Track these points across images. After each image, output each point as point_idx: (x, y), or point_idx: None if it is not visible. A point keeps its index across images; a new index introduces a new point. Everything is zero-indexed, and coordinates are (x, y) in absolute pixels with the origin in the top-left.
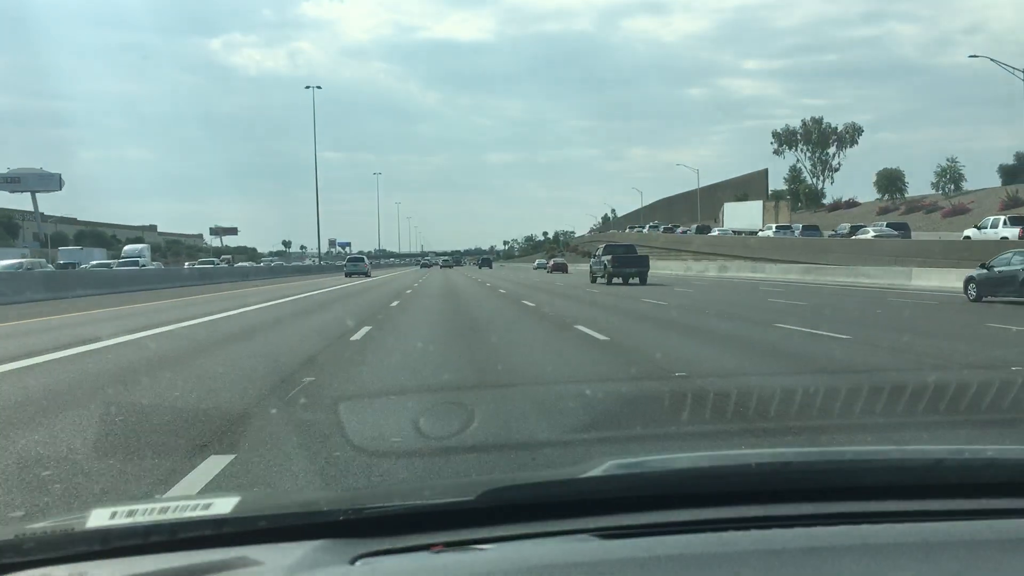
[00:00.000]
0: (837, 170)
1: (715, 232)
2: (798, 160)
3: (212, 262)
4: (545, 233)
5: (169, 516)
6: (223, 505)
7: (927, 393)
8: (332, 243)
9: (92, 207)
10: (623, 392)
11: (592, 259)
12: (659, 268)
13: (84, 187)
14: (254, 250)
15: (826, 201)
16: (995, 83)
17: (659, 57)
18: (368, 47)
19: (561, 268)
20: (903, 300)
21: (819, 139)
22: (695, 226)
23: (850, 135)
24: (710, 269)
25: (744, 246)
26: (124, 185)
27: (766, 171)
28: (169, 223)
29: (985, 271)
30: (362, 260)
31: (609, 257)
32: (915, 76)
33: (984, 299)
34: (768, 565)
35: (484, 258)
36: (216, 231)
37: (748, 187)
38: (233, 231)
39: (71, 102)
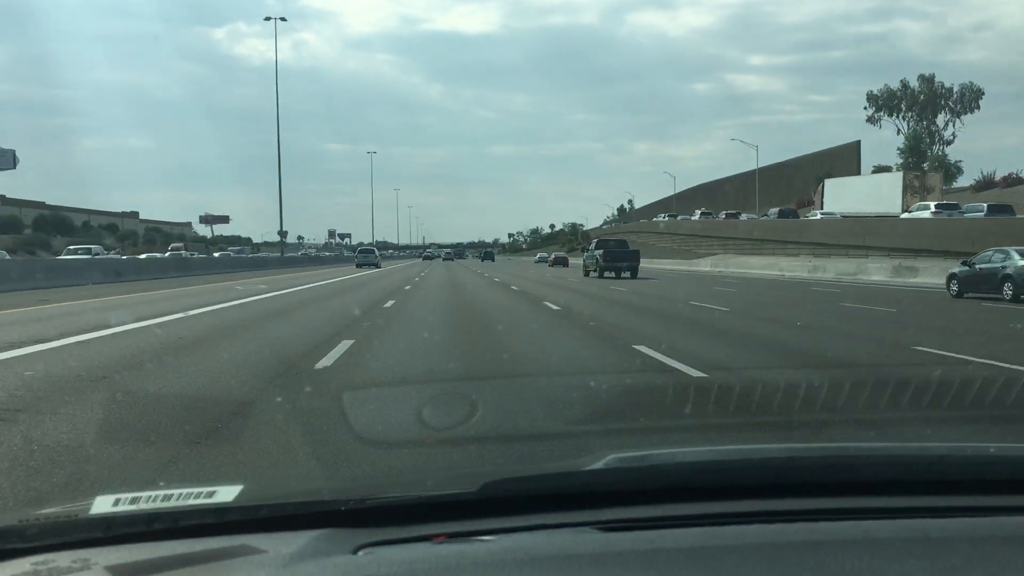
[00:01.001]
0: (951, 142)
1: (816, 215)
2: (899, 130)
3: (180, 252)
4: (552, 226)
5: (172, 504)
6: (226, 494)
7: None
8: (332, 234)
9: (90, 196)
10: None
11: (585, 253)
12: (737, 266)
13: (79, 175)
14: (249, 240)
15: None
16: (1004, 80)
17: (665, 52)
18: (372, 39)
19: (562, 262)
20: None
21: (927, 103)
22: (775, 210)
23: (970, 98)
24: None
25: (875, 233)
26: (119, 174)
27: (858, 143)
28: (166, 212)
29: (967, 268)
30: (373, 252)
31: (601, 251)
32: (918, 70)
33: (965, 295)
34: (770, 559)
35: (486, 251)
36: (207, 219)
37: (833, 163)
38: (224, 219)
39: (70, 90)
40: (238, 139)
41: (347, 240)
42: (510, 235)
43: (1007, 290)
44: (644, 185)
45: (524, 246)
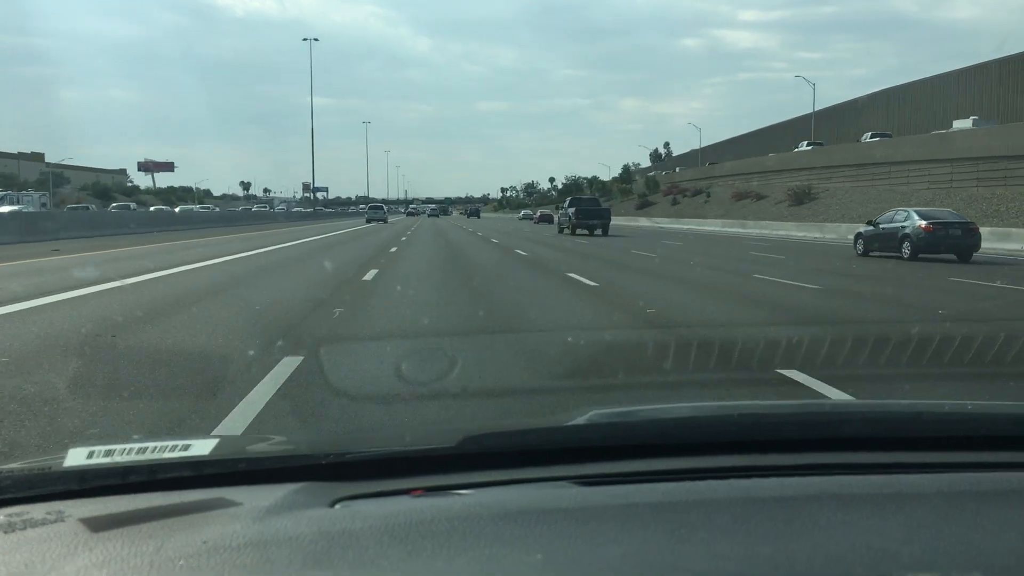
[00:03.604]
0: None
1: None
2: None
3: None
4: (552, 179)
5: (148, 457)
6: (202, 447)
7: None
8: (307, 187)
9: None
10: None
11: (560, 211)
12: None
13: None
14: (207, 192)
15: None
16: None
17: (655, 6)
18: None
19: (547, 219)
20: None
21: None
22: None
23: None
24: None
25: None
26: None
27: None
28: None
29: (872, 227)
30: (382, 208)
31: (573, 210)
32: (912, 30)
33: (870, 254)
34: (745, 512)
35: (473, 208)
36: (146, 166)
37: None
38: (168, 167)
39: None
40: (219, 92)
41: (323, 195)
42: (503, 189)
43: (905, 249)
44: (631, 142)
45: (528, 202)
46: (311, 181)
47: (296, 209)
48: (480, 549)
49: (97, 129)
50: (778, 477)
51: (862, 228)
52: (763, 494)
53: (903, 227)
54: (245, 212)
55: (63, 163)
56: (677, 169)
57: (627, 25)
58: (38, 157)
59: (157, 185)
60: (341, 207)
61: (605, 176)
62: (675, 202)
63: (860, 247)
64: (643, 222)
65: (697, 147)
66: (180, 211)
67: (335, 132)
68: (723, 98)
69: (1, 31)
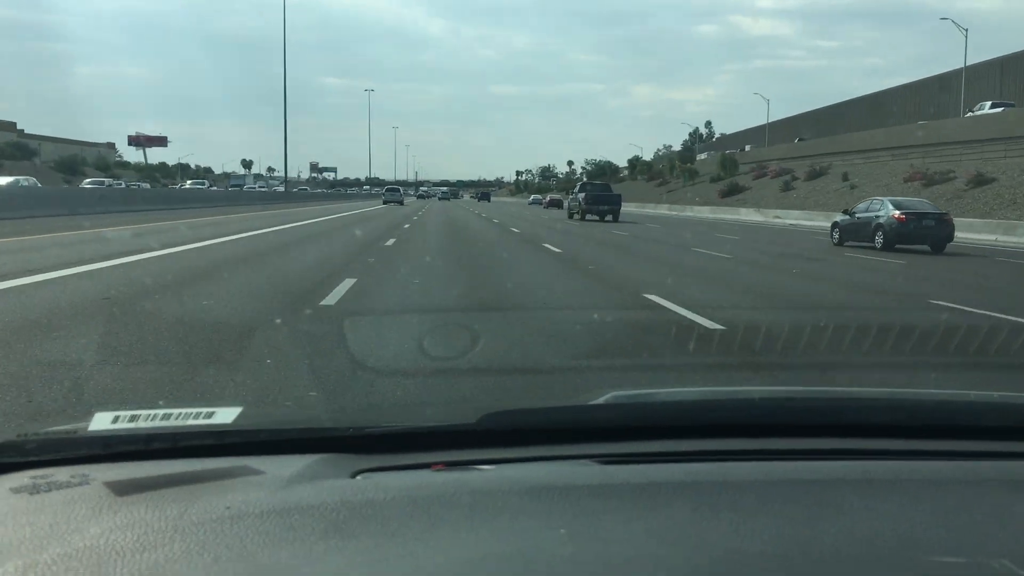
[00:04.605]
0: None
1: None
2: None
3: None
4: (570, 163)
5: (171, 423)
6: (225, 415)
7: None
8: (314, 167)
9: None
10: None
11: (570, 196)
12: None
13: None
14: (208, 170)
15: None
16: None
17: None
18: None
19: (556, 204)
20: None
21: None
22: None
23: None
24: None
25: None
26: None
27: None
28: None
29: (848, 217)
30: (398, 190)
31: (583, 195)
32: (929, 20)
33: (846, 244)
34: (770, 494)
35: (483, 192)
36: (137, 140)
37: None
38: (161, 141)
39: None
40: (225, 70)
41: (331, 175)
42: (518, 173)
43: (878, 239)
44: (645, 130)
45: (554, 186)
46: (284, 160)
47: (277, 188)
48: (503, 522)
49: (108, 105)
50: (802, 460)
51: (838, 217)
52: (787, 476)
53: (877, 217)
54: (192, 191)
55: (47, 135)
56: (748, 147)
57: (644, 9)
58: (9, 127)
59: (149, 161)
60: (350, 187)
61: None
62: (787, 186)
63: (836, 237)
64: (749, 216)
65: (754, 125)
66: (89, 186)
67: (346, 113)
68: (736, 85)
69: (14, 6)
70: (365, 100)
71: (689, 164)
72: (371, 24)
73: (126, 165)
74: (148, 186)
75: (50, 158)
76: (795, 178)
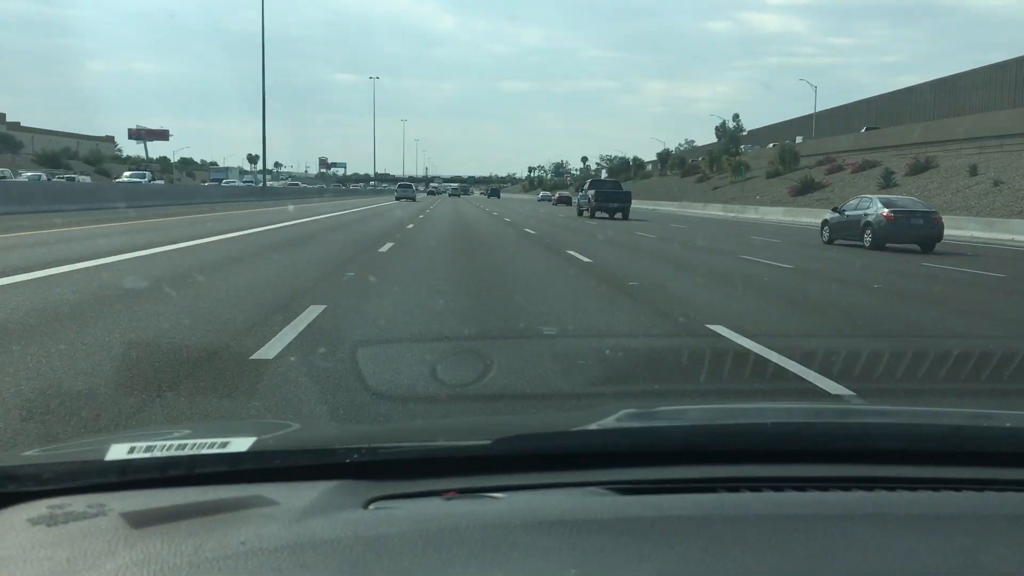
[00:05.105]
0: None
1: None
2: None
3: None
4: (584, 159)
5: (187, 452)
6: (240, 444)
7: None
8: (323, 163)
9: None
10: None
11: (579, 193)
12: None
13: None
14: (213, 164)
15: None
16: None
17: None
18: None
19: (565, 201)
20: None
21: None
22: None
23: None
24: None
25: None
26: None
27: None
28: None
29: (838, 215)
30: (411, 187)
31: (593, 192)
32: (944, 17)
33: (835, 242)
34: (780, 529)
35: (493, 188)
36: (138, 134)
37: None
38: (162, 135)
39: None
40: (236, 66)
41: (340, 171)
42: (530, 169)
43: (867, 237)
44: (657, 126)
45: (570, 183)
46: (263, 154)
47: (248, 182)
48: (514, 560)
49: (121, 100)
50: (815, 491)
51: (828, 215)
52: (798, 510)
53: (866, 215)
54: (128, 187)
55: (50, 130)
56: (799, 139)
57: (655, 5)
58: (13, 124)
59: (150, 155)
60: (354, 183)
61: (648, 156)
62: (887, 182)
63: (826, 235)
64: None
65: (787, 118)
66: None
67: (358, 108)
68: (749, 82)
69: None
70: (376, 97)
71: (739, 157)
72: (383, 20)
73: (125, 159)
74: (89, 179)
75: (36, 151)
76: (891, 172)
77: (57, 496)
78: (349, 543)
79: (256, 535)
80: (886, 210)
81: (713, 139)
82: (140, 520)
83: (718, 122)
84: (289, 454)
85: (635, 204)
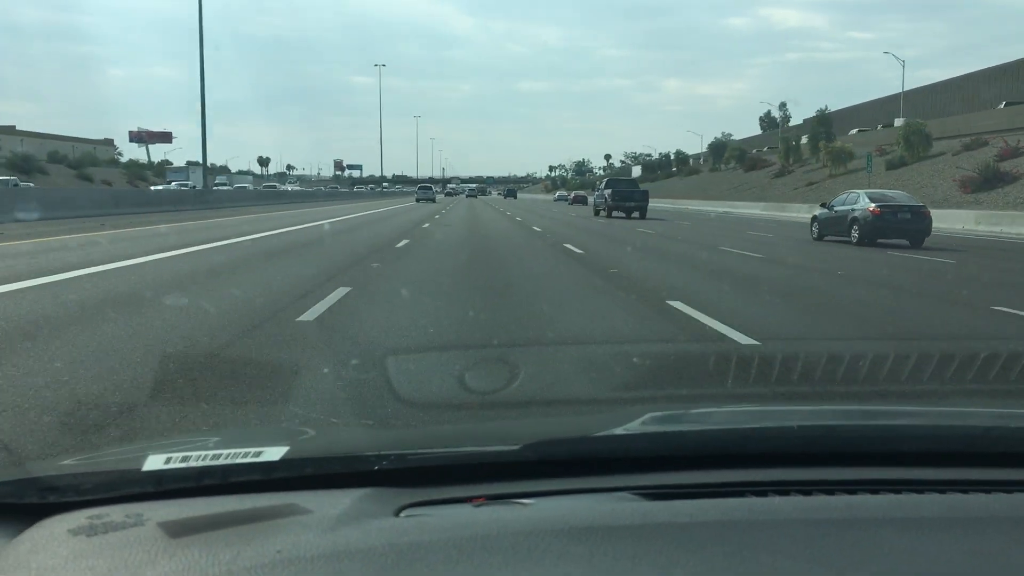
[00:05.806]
0: None
1: None
2: None
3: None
4: (608, 156)
5: (221, 462)
6: (273, 453)
7: None
8: (339, 165)
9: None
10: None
11: (595, 192)
12: None
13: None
14: (223, 168)
15: None
16: None
17: None
18: None
19: (581, 200)
20: None
21: None
22: None
23: None
24: None
25: None
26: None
27: None
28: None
29: (827, 211)
30: (431, 188)
31: (610, 191)
32: (968, 10)
33: (825, 238)
34: (809, 534)
35: (509, 188)
36: (139, 136)
37: None
38: (165, 137)
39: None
40: (259, 71)
41: (357, 173)
42: (551, 168)
43: (854, 233)
44: (675, 124)
45: (597, 182)
46: (203, 151)
47: (188, 184)
48: (546, 568)
49: (136, 105)
50: (844, 494)
51: (817, 211)
52: (827, 514)
53: (853, 210)
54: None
55: (53, 135)
56: (898, 121)
57: (674, 2)
58: (9, 128)
59: (152, 158)
60: (358, 185)
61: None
62: None
63: (815, 231)
64: None
65: (851, 103)
66: None
67: (375, 111)
68: (768, 79)
69: (46, 7)
70: (393, 99)
71: (838, 143)
72: (401, 22)
73: (124, 164)
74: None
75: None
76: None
77: (94, 506)
78: (383, 551)
79: (292, 544)
80: (872, 205)
81: (756, 131)
82: (177, 530)
83: (763, 111)
84: (320, 462)
85: (683, 206)
